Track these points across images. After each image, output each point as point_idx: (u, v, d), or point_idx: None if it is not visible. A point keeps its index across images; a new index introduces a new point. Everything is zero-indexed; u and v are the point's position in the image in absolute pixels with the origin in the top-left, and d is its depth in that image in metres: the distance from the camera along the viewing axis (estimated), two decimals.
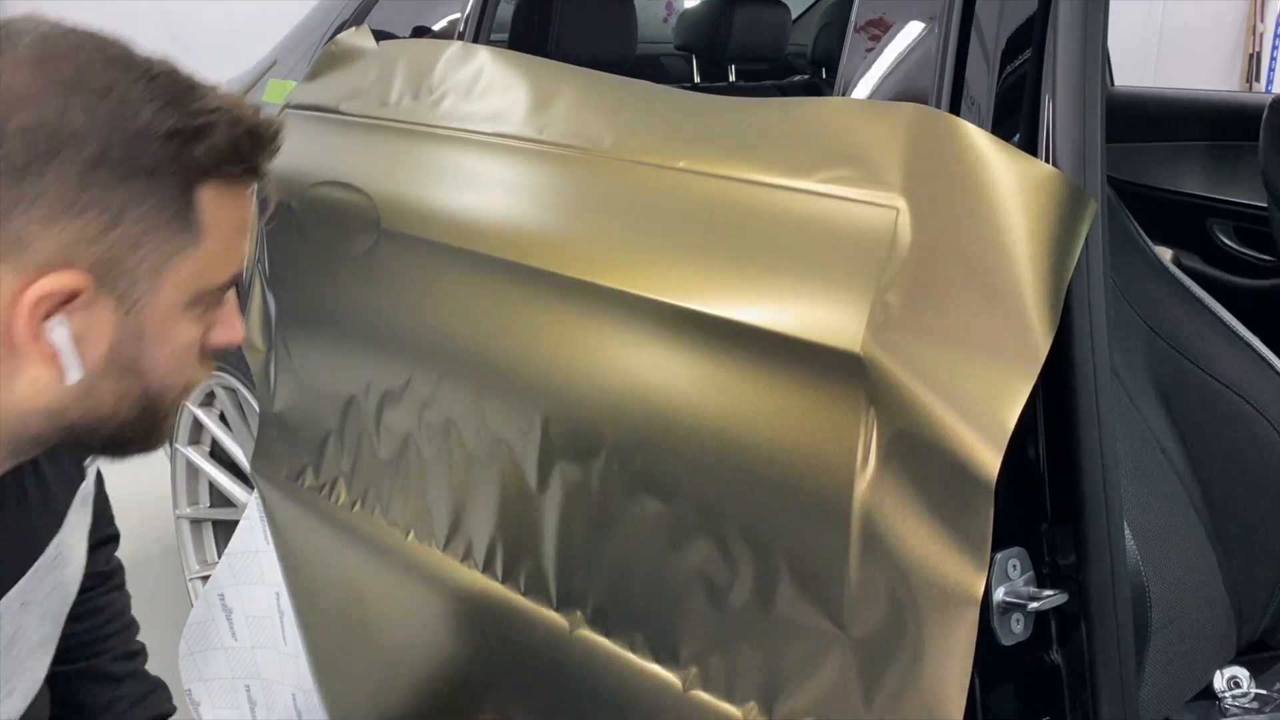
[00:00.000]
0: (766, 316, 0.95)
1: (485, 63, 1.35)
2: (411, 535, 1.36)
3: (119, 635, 1.28)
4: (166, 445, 2.42)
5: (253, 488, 1.70)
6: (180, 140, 0.76)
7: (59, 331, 0.75)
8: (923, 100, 0.98)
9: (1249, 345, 1.43)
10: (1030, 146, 0.97)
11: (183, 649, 1.77)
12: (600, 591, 1.12)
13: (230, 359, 2.09)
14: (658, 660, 1.08)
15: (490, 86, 1.33)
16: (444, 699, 1.38)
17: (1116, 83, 2.59)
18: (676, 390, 1.03)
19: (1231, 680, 1.39)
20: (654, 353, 1.05)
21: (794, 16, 3.02)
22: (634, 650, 1.10)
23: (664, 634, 1.07)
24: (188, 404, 2.27)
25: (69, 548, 1.01)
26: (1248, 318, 1.46)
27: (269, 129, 0.86)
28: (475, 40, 1.57)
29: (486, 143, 1.28)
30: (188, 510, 2.40)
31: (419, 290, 1.33)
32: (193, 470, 2.36)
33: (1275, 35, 5.17)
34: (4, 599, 0.91)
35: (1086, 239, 0.89)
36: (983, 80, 0.98)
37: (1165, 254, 1.55)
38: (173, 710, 1.31)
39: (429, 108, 1.38)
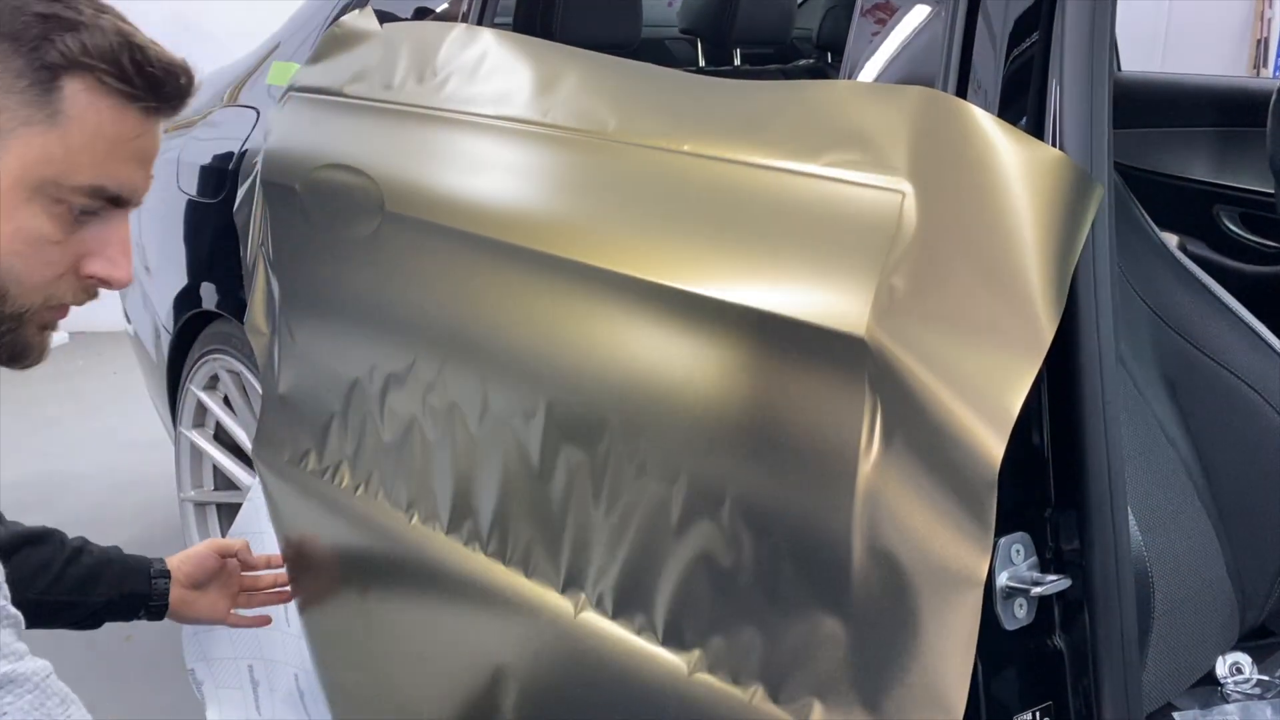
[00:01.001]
0: (771, 300, 0.95)
1: (489, 45, 1.34)
2: (415, 518, 1.36)
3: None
4: (171, 429, 2.43)
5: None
6: (54, 24, 0.80)
7: None
8: (929, 84, 0.97)
9: (1255, 331, 1.43)
10: (1037, 131, 0.97)
11: (186, 629, 1.78)
12: (605, 575, 1.13)
13: (233, 342, 2.09)
14: (663, 643, 1.08)
15: (494, 69, 1.32)
16: (447, 682, 1.38)
17: (1123, 68, 2.58)
18: (681, 374, 1.03)
19: (1234, 666, 1.39)
20: (658, 336, 1.05)
21: (799, 0, 3.01)
22: (639, 634, 1.10)
23: (669, 617, 1.07)
24: (192, 386, 2.28)
25: None
26: (1254, 304, 1.45)
27: (165, 63, 0.87)
28: (479, 23, 1.56)
29: (490, 126, 1.28)
30: (192, 493, 2.40)
31: (423, 273, 1.32)
32: (197, 453, 2.37)
33: None
34: None
35: (1093, 224, 0.89)
36: (990, 64, 0.98)
37: (1171, 240, 1.54)
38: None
39: (433, 90, 1.37)
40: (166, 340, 2.35)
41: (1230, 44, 5.25)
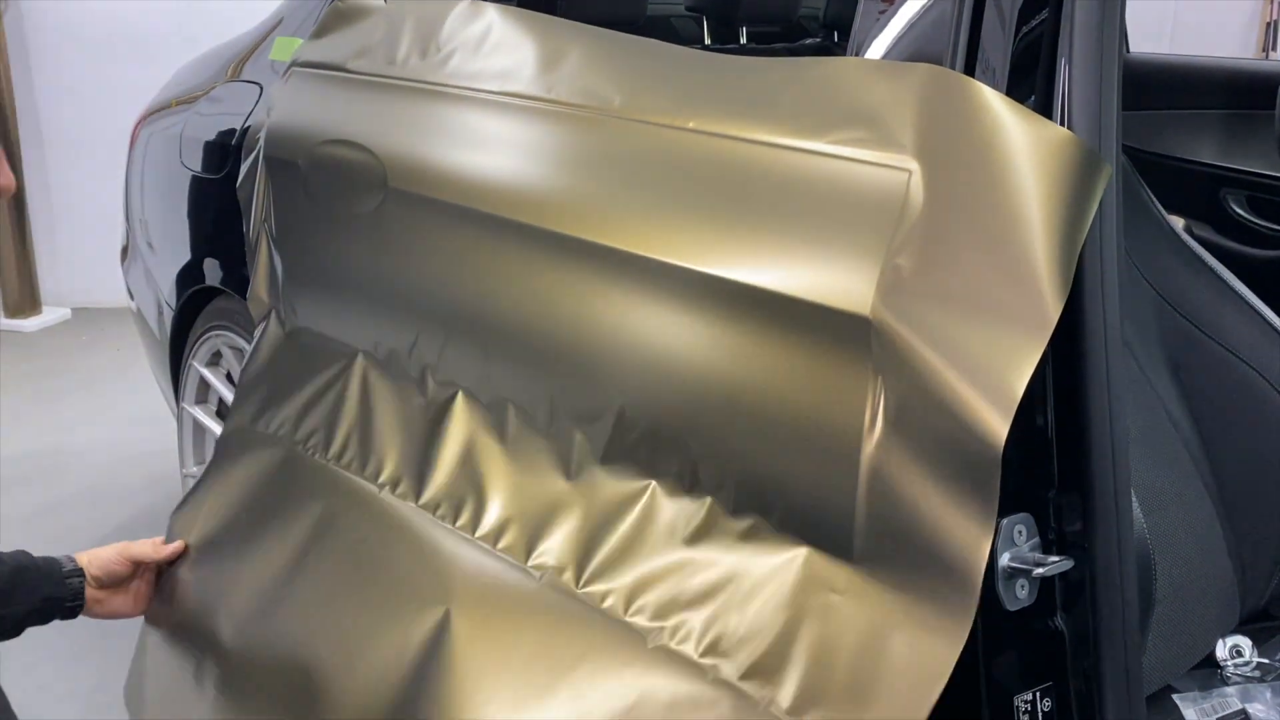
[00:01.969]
0: (776, 279, 0.95)
1: (494, 20, 1.34)
2: (392, 491, 1.33)
3: None
4: (173, 405, 2.43)
5: None
6: None
7: None
8: (937, 63, 0.97)
9: (1261, 315, 1.42)
10: (1045, 111, 0.96)
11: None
12: (608, 557, 1.12)
13: (236, 318, 2.09)
14: (652, 618, 1.06)
15: (498, 45, 1.31)
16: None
17: (1132, 49, 2.56)
18: (684, 352, 1.02)
19: (1234, 649, 1.39)
20: (662, 315, 1.05)
21: None
22: (644, 617, 1.08)
23: (665, 593, 1.06)
24: (194, 363, 2.28)
25: None
26: (1260, 288, 1.45)
27: None
28: None
29: (494, 101, 1.27)
30: (194, 469, 2.40)
31: (425, 249, 1.32)
32: (199, 429, 2.37)
33: None
34: None
35: (1100, 204, 0.88)
36: (998, 42, 0.97)
37: (1177, 223, 1.53)
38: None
39: (436, 66, 1.36)
40: (169, 316, 2.34)
41: (1239, 27, 5.21)
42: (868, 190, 0.91)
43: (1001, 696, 0.99)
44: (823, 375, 0.92)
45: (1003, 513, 0.93)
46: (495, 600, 1.16)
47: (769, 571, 0.99)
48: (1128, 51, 2.50)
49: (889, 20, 1.06)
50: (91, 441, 3.43)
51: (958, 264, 0.86)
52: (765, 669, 0.95)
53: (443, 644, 1.14)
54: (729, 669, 0.98)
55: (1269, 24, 5.17)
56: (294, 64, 1.59)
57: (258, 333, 1.62)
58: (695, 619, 1.01)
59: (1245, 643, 1.39)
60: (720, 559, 1.02)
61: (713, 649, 0.99)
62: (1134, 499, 1.18)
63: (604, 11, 1.80)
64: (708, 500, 1.03)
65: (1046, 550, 0.96)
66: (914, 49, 1.03)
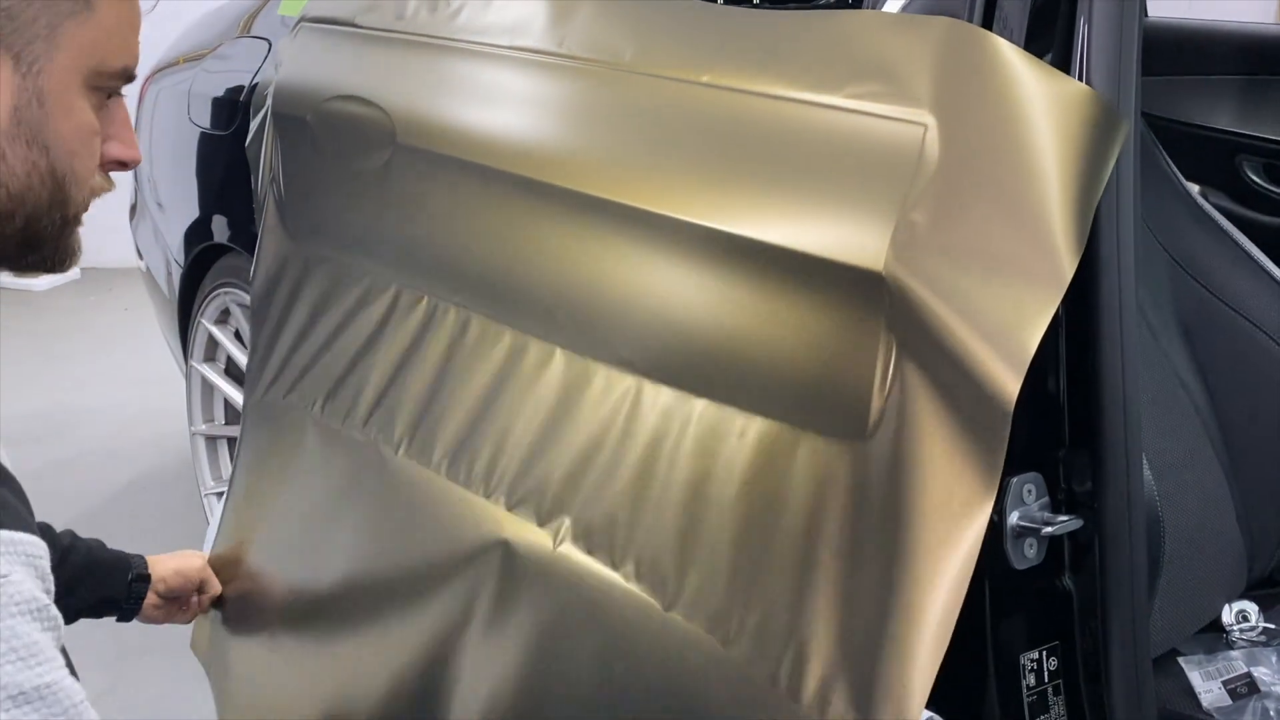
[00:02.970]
0: (789, 235, 0.94)
1: None
2: (402, 450, 1.33)
3: None
4: (182, 363, 2.43)
5: None
6: None
7: None
8: (955, 16, 0.95)
9: (1276, 281, 1.41)
10: (1063, 69, 0.95)
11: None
12: (610, 514, 1.11)
13: (245, 275, 2.09)
14: (639, 580, 1.06)
15: None
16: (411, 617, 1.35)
17: (1150, 13, 2.53)
18: (695, 309, 1.02)
19: (1240, 614, 1.39)
20: (672, 271, 1.04)
21: None
22: (617, 569, 1.08)
23: (664, 554, 1.05)
24: (203, 320, 2.28)
25: None
26: (1275, 255, 1.44)
27: None
28: None
29: (504, 56, 1.26)
30: (203, 427, 2.41)
31: (434, 206, 1.31)
32: (208, 387, 2.38)
33: None
34: None
35: (1117, 163, 0.87)
36: None
37: (1192, 190, 1.52)
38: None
39: (446, 20, 1.35)
40: (178, 274, 2.34)
41: None
42: (883, 145, 0.90)
43: (1008, 655, 0.99)
44: (835, 331, 0.91)
45: (1012, 472, 0.93)
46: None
47: (771, 527, 0.98)
48: (1145, 15, 2.47)
49: None
50: (101, 400, 3.45)
51: (972, 220, 0.85)
52: (771, 632, 0.95)
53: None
54: (739, 626, 0.98)
55: None
56: (303, 19, 1.58)
57: (264, 290, 1.61)
58: (701, 578, 1.01)
59: (1252, 608, 1.39)
60: (732, 520, 1.01)
61: (723, 615, 0.99)
62: (1144, 462, 1.18)
63: None
64: (716, 457, 1.02)
65: (1055, 510, 0.96)
66: (931, 2, 1.02)
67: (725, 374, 1.00)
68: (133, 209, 2.63)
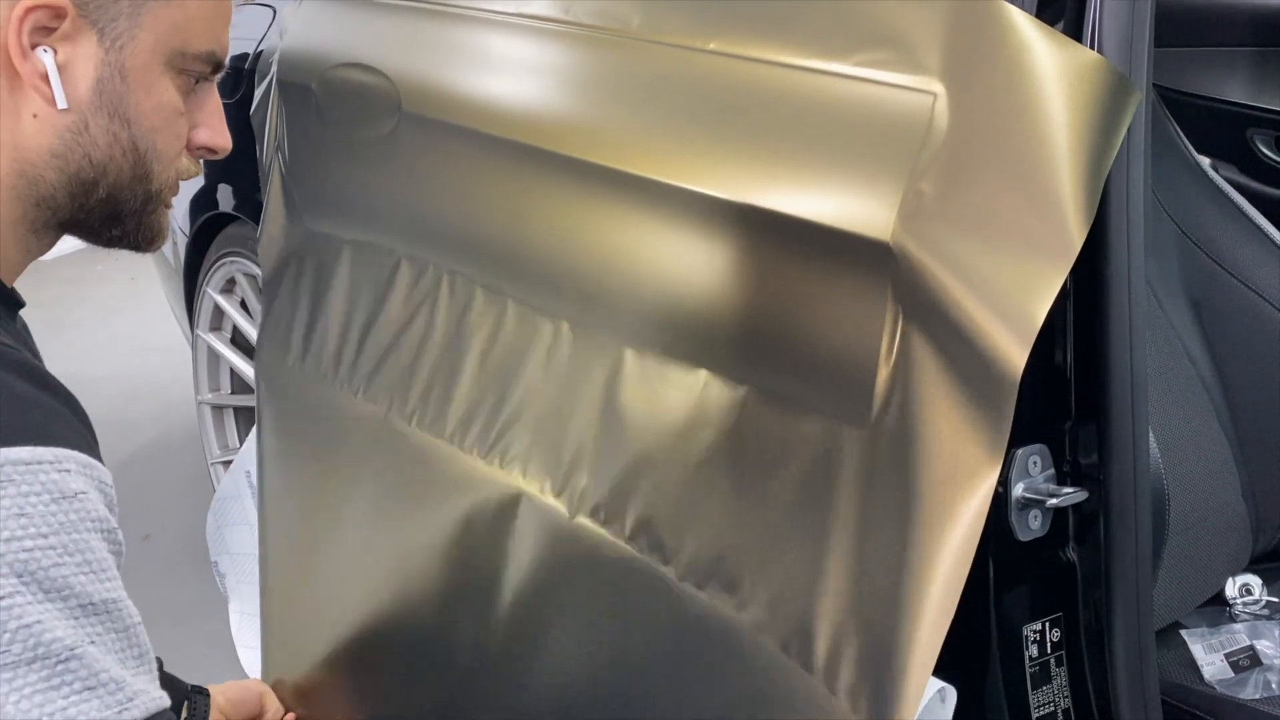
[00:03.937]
0: (796, 204, 0.93)
1: None
2: (415, 421, 1.34)
3: None
4: (188, 332, 2.44)
5: None
6: None
7: (46, 57, 0.80)
8: None
9: None
10: (1075, 34, 0.94)
11: (210, 524, 1.80)
12: (623, 485, 1.11)
13: (250, 244, 2.09)
14: (650, 550, 1.06)
15: None
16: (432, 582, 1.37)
17: None
18: (701, 278, 1.01)
19: (1243, 588, 1.40)
20: (679, 240, 1.04)
21: None
22: (633, 545, 1.08)
23: (671, 523, 1.05)
24: (209, 289, 2.28)
25: None
26: None
27: None
28: None
29: (510, 23, 1.25)
30: (209, 396, 2.42)
31: (440, 174, 1.31)
32: (214, 356, 2.38)
33: None
34: None
35: (1128, 134, 0.86)
36: None
37: (1203, 163, 1.51)
38: None
39: None
40: (183, 243, 2.34)
41: None
42: (891, 113, 0.89)
43: (1011, 626, 1.00)
44: (842, 300, 0.91)
45: (1018, 443, 0.93)
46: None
47: (779, 498, 0.98)
48: None
49: None
50: (108, 369, 3.46)
51: (981, 189, 0.85)
52: (782, 602, 0.95)
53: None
54: (749, 595, 0.98)
55: None
56: None
57: (271, 262, 1.61)
58: (711, 548, 1.02)
59: (1255, 581, 1.40)
60: (740, 488, 1.01)
61: (734, 585, 0.99)
62: (1150, 434, 1.18)
63: None
64: (724, 426, 1.02)
65: (1061, 481, 0.96)
66: None
67: (731, 344, 1.00)
68: None
